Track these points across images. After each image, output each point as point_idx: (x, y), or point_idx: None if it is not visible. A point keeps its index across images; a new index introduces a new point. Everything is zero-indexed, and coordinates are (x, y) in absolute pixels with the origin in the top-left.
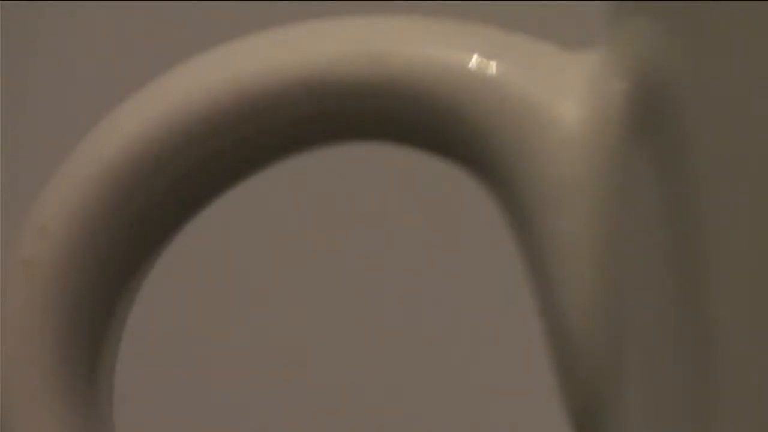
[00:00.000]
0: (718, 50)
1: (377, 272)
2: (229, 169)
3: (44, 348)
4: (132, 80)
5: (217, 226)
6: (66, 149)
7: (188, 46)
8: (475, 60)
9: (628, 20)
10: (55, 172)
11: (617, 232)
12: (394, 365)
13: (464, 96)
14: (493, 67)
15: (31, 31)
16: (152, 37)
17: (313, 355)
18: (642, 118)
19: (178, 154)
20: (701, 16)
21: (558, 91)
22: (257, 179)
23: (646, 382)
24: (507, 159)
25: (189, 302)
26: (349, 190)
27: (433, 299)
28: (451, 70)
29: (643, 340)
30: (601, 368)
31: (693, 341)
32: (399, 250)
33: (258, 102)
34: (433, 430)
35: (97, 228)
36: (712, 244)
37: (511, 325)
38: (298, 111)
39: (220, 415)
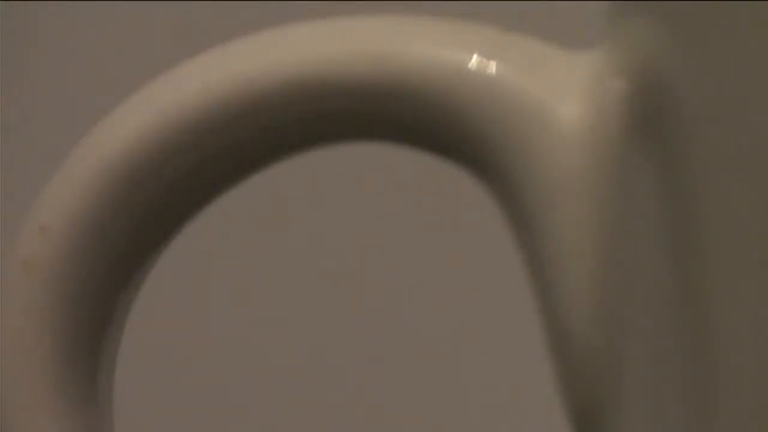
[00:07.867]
0: (718, 50)
1: (377, 272)
2: (229, 169)
3: (44, 348)
4: (132, 80)
5: (217, 226)
6: (66, 149)
7: (188, 46)
8: (474, 60)
9: (628, 20)
10: (55, 172)
11: (617, 232)
12: (394, 366)
13: (464, 96)
14: (492, 67)
15: (31, 31)
16: (152, 36)
17: (314, 354)
18: (642, 118)
19: (178, 154)
20: (701, 16)
21: (558, 90)
22: (257, 179)
23: (647, 383)
24: (507, 159)
25: (189, 302)
26: (349, 190)
27: (432, 299)
28: (451, 70)
29: (643, 341)
30: (601, 368)
31: (693, 341)
32: (399, 250)
33: (258, 102)
34: (433, 430)
35: (97, 228)
36: (712, 243)
37: (511, 325)
38: (298, 111)
39: (219, 415)
